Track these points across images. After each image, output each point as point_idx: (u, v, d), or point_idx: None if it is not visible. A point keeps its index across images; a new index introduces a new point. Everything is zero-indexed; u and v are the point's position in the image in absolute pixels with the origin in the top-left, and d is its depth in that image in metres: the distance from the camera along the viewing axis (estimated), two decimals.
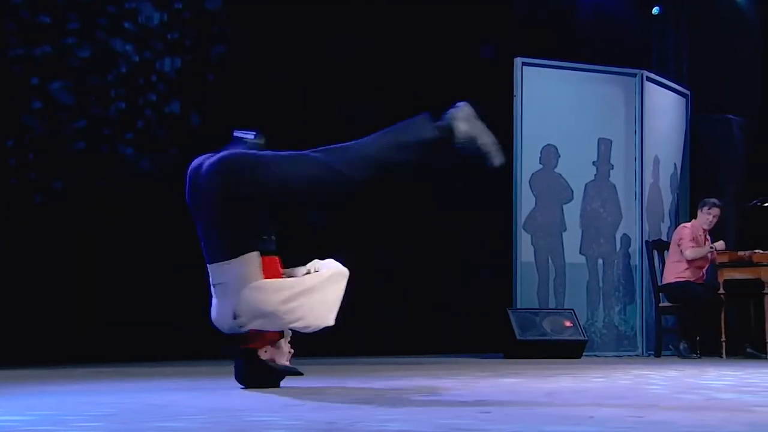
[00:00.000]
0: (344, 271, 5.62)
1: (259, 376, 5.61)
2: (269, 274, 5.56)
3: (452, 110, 5.79)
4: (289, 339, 5.71)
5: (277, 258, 5.67)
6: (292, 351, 5.76)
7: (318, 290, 5.52)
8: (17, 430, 3.59)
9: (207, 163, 5.67)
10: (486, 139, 5.82)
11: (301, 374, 5.74)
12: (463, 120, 5.78)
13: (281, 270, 5.67)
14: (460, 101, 5.82)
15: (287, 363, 5.69)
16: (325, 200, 6.15)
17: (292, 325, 5.54)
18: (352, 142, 5.77)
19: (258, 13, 10.46)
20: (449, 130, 5.75)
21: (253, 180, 5.57)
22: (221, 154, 5.70)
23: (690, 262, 11.18)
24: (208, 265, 5.66)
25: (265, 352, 5.61)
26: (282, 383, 5.67)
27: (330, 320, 5.55)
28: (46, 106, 9.33)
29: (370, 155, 5.70)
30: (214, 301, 5.64)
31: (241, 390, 5.44)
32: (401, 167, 5.88)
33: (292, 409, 4.32)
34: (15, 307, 8.75)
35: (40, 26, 9.32)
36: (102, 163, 9.61)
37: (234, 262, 5.53)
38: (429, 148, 5.82)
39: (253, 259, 5.54)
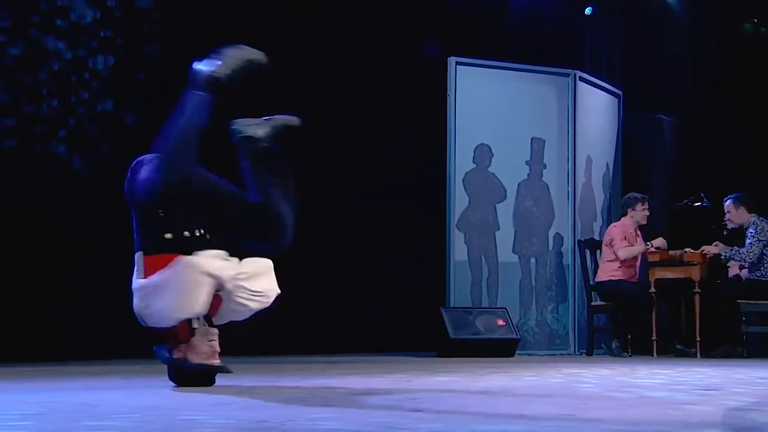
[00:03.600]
0: (188, 262, 5.52)
1: (177, 374, 5.63)
2: (151, 272, 5.60)
3: (236, 134, 5.97)
4: (211, 338, 5.64)
5: (174, 256, 5.66)
6: (217, 350, 5.71)
7: (163, 287, 5.50)
8: None
9: None
10: (274, 121, 6.02)
11: (230, 372, 5.71)
12: (250, 128, 5.96)
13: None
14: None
15: (211, 361, 5.63)
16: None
17: (151, 325, 5.59)
18: None
19: (189, 11, 10.39)
20: (254, 145, 5.92)
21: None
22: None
23: (623, 261, 11.24)
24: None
25: (179, 351, 5.58)
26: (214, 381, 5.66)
27: (181, 314, 5.51)
28: None
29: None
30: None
31: (174, 389, 5.40)
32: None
33: (223, 407, 4.30)
34: None
35: None
36: (34, 161, 9.52)
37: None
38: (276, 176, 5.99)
39: (138, 259, 5.66)
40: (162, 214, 5.65)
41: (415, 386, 5.79)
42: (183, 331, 5.53)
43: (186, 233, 5.66)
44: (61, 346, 9.10)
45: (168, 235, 5.63)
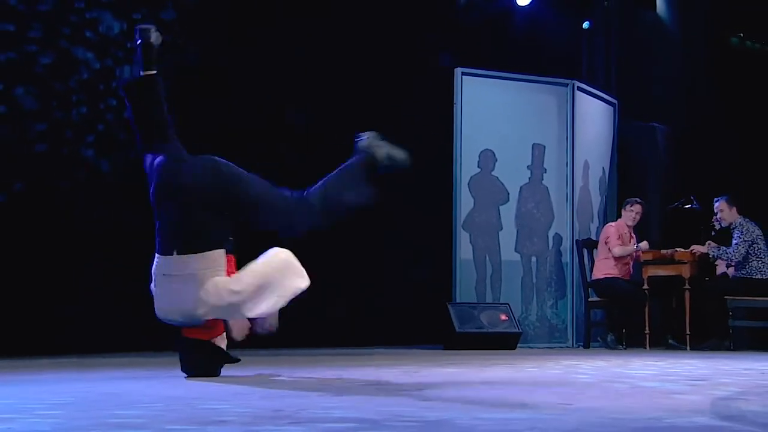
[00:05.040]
0: (279, 255, 5.71)
1: (208, 364, 5.61)
2: (231, 270, 5.64)
3: (363, 142, 6.06)
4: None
5: (233, 258, 5.71)
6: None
7: (268, 280, 5.59)
8: None
9: (188, 158, 5.83)
10: (397, 153, 6.12)
11: (238, 360, 5.80)
12: (376, 146, 6.04)
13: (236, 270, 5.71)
14: (363, 133, 6.10)
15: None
16: (275, 230, 6.14)
17: (250, 315, 5.60)
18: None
19: (208, 24, 10.41)
20: (371, 159, 6.00)
21: (238, 187, 5.71)
22: (206, 156, 5.82)
23: (617, 259, 11.27)
24: (163, 255, 5.60)
25: (221, 340, 5.64)
26: (231, 373, 5.68)
27: (278, 303, 5.65)
28: (10, 111, 9.22)
29: (319, 202, 5.90)
30: (166, 290, 5.56)
31: (195, 380, 5.40)
32: (349, 205, 6.07)
33: (242, 397, 4.30)
34: None
35: (5, 34, 9.22)
36: (64, 165, 9.53)
37: (204, 255, 5.56)
38: (364, 181, 6.04)
39: (221, 255, 5.60)
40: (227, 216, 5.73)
41: (423, 377, 5.78)
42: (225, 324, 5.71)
43: (230, 237, 5.76)
44: (87, 339, 9.11)
45: (230, 237, 5.72)
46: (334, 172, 5.97)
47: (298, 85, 10.80)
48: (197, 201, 5.63)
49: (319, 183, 5.91)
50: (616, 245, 11.28)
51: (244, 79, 10.53)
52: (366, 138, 6.04)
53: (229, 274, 5.65)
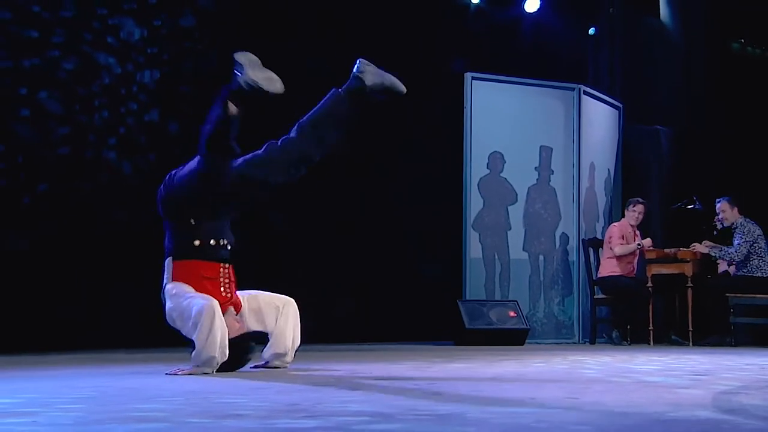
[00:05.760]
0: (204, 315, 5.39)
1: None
2: (179, 276, 5.64)
3: (356, 68, 5.94)
4: (235, 315, 5.73)
5: (200, 263, 5.70)
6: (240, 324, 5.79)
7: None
8: (5, 412, 3.55)
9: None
10: (388, 78, 5.97)
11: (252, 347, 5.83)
12: (368, 73, 5.90)
13: (204, 274, 5.70)
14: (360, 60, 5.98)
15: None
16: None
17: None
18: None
19: (226, 30, 10.42)
20: (360, 85, 5.88)
21: (162, 195, 5.77)
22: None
23: (620, 257, 11.25)
24: None
25: None
26: (247, 368, 5.69)
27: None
28: (34, 114, 9.25)
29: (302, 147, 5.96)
30: None
31: (213, 374, 5.41)
32: (337, 134, 5.96)
33: (259, 392, 4.30)
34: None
35: (29, 40, 9.24)
36: (86, 167, 9.54)
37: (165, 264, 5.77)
38: (350, 111, 5.96)
39: (168, 263, 5.70)
40: (193, 223, 5.67)
41: (434, 372, 5.78)
42: None
43: (212, 242, 5.69)
44: (107, 335, 9.12)
45: (196, 242, 5.66)
46: (323, 102, 5.99)
47: (311, 89, 10.78)
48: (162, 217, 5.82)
49: (309, 115, 6.00)
50: (617, 244, 11.27)
51: None
52: (360, 64, 5.93)
53: (230, 284, 5.71)
